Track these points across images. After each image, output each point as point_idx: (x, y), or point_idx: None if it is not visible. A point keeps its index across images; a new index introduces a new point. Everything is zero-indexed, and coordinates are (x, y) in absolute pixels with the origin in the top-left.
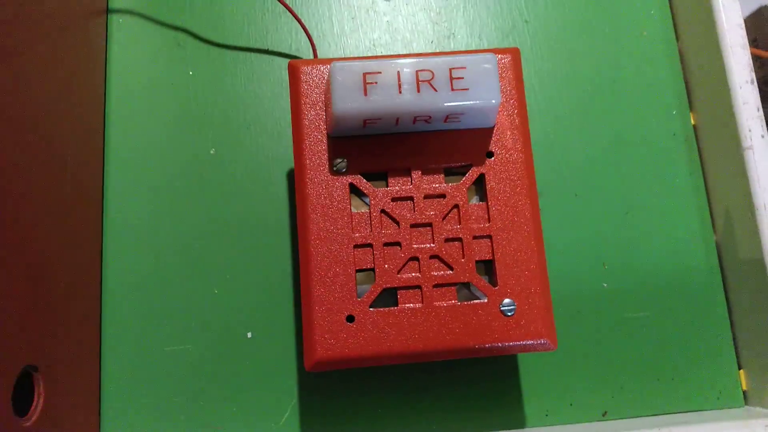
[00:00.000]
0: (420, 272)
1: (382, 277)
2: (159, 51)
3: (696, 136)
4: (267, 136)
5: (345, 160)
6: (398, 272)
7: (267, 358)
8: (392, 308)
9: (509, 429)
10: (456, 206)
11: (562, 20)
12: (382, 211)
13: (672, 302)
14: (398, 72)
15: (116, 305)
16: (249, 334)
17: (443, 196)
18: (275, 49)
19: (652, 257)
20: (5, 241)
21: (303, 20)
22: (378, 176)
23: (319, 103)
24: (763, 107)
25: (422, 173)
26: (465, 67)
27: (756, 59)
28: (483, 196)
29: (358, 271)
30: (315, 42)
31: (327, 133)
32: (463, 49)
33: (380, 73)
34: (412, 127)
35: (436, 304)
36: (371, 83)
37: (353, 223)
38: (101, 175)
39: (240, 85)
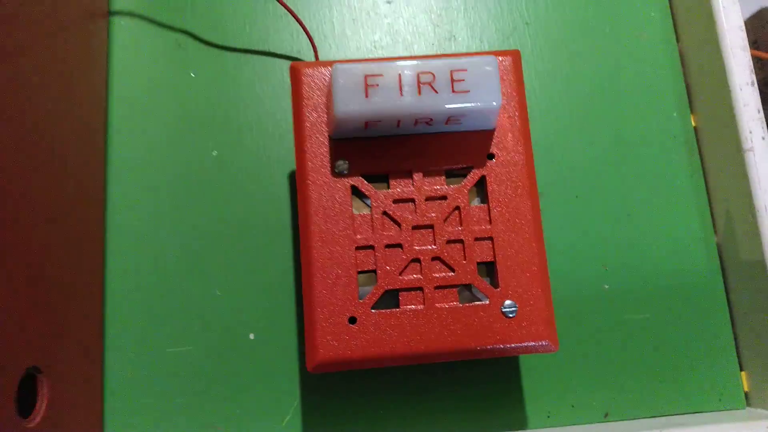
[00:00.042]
0: (421, 274)
1: (384, 279)
2: (160, 53)
3: (696, 137)
4: (268, 138)
5: (346, 162)
6: (400, 274)
7: (269, 359)
8: (394, 310)
9: (510, 430)
10: (457, 208)
11: (563, 22)
12: (384, 212)
13: (673, 304)
14: (399, 74)
15: (118, 307)
16: (251, 336)
17: (444, 197)
18: (276, 51)
19: (653, 259)
20: (7, 242)
21: (304, 22)
22: (379, 178)
23: (321, 105)
24: (763, 109)
25: (423, 175)
26: (466, 70)
27: (756, 61)
28: (484, 198)
29: (359, 272)
30: (316, 44)
31: (328, 135)
32: (463, 51)
33: (381, 75)
34: (413, 129)
35: (438, 305)
36: (372, 85)
37: (355, 224)
38: (103, 176)
39: (241, 86)
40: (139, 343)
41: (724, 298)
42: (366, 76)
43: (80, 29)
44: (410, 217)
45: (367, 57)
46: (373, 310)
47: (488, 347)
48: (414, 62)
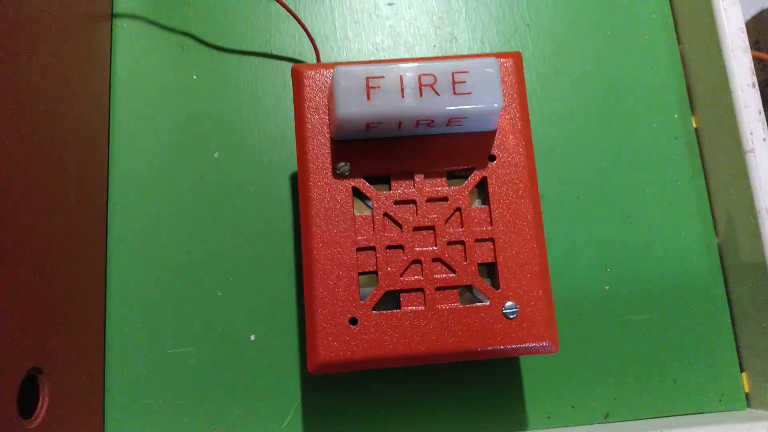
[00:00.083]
0: (422, 275)
1: (385, 280)
2: (163, 55)
3: (698, 139)
4: (270, 140)
5: (348, 164)
6: (401, 275)
7: (270, 360)
8: (395, 311)
9: (511, 431)
10: (458, 209)
11: (564, 24)
12: (385, 214)
13: (674, 305)
14: (401, 76)
15: (120, 308)
16: (252, 337)
17: (446, 199)
18: (278, 53)
19: (654, 260)
20: (9, 244)
21: (306, 24)
22: (381, 180)
23: (323, 107)
24: (764, 110)
25: (425, 176)
26: (467, 72)
27: (757, 62)
28: (485, 200)
29: (360, 273)
30: (318, 46)
31: (330, 137)
32: (465, 53)
33: (383, 77)
34: (414, 131)
35: (439, 306)
36: (374, 87)
37: (356, 226)
38: (105, 177)
39: (243, 88)
40: (139, 344)
41: (725, 299)
42: (367, 78)
43: (83, 31)
44: (411, 218)
45: (368, 59)
46: (374, 311)
47: (489, 348)
48: (415, 64)
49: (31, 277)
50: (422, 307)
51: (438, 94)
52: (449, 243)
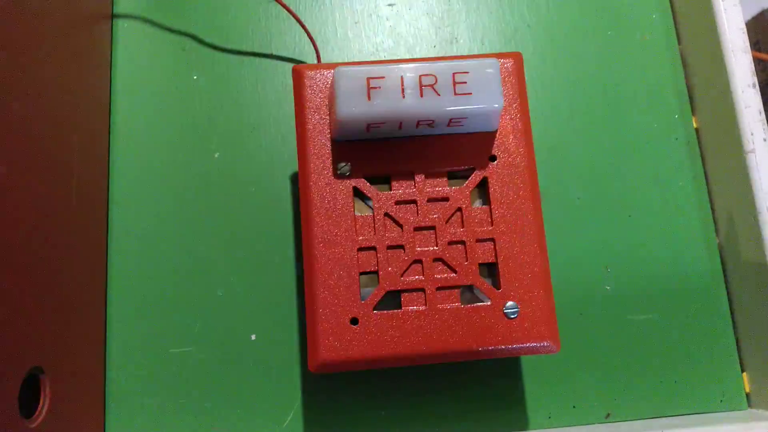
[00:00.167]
0: (423, 275)
1: (386, 280)
2: (164, 55)
3: (698, 139)
4: (271, 140)
5: (348, 164)
6: (402, 275)
7: (270, 360)
8: (396, 311)
9: (512, 431)
10: (459, 209)
11: (564, 25)
12: (386, 214)
13: (674, 305)
14: (401, 77)
15: (121, 307)
16: (253, 336)
17: (446, 199)
18: (279, 54)
19: (655, 260)
20: (10, 244)
21: (306, 25)
22: (381, 180)
23: (323, 108)
24: (765, 111)
25: (425, 177)
26: (468, 72)
27: (758, 63)
28: (486, 200)
29: (361, 273)
30: (318, 47)
31: (331, 138)
32: (465, 53)
33: (383, 77)
34: (415, 131)
35: (440, 306)
36: (375, 88)
37: (357, 226)
38: (106, 178)
39: (244, 89)
40: (141, 344)
41: (726, 299)
42: (368, 79)
43: (84, 32)
44: (412, 218)
45: (369, 60)
46: (374, 311)
47: (490, 348)
48: (416, 65)
49: (33, 276)
50: (423, 307)
51: (439, 94)
52: (450, 243)
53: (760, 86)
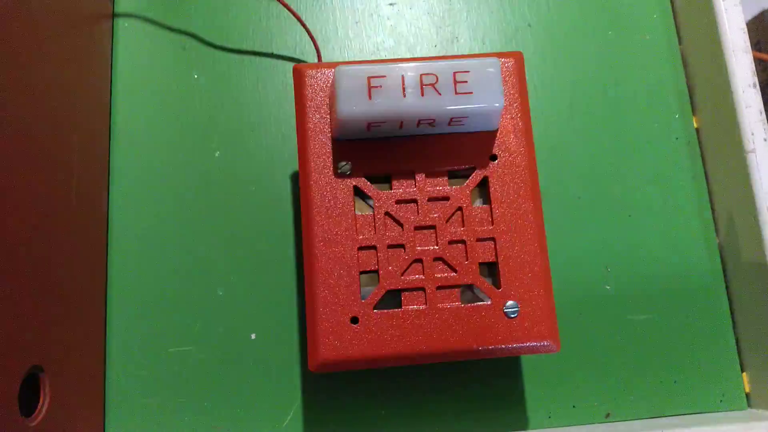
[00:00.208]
0: (423, 274)
1: (386, 279)
2: (164, 55)
3: (698, 139)
4: (271, 139)
5: (349, 163)
6: (402, 274)
7: (271, 359)
8: (396, 310)
9: (512, 430)
10: (459, 209)
11: (565, 24)
12: (386, 213)
13: (675, 305)
14: (402, 76)
15: (121, 306)
16: (253, 336)
17: (447, 198)
18: (280, 53)
19: (655, 260)
20: (11, 244)
21: (307, 24)
22: (382, 179)
23: (324, 107)
24: (765, 111)
25: (426, 176)
26: (469, 71)
27: (758, 63)
28: (486, 199)
29: (362, 273)
30: (319, 46)
31: (331, 137)
32: (466, 53)
33: (384, 77)
34: (416, 131)
35: (440, 306)
36: (375, 87)
37: (357, 225)
38: (106, 176)
39: (245, 88)
40: (140, 343)
41: (726, 299)
42: (369, 78)
43: (84, 31)
44: (412, 217)
45: (369, 59)
46: (375, 311)
47: (490, 347)
48: (417, 64)
49: (33, 276)
50: (423, 306)
51: (439, 93)
52: (450, 242)
53: (760, 86)
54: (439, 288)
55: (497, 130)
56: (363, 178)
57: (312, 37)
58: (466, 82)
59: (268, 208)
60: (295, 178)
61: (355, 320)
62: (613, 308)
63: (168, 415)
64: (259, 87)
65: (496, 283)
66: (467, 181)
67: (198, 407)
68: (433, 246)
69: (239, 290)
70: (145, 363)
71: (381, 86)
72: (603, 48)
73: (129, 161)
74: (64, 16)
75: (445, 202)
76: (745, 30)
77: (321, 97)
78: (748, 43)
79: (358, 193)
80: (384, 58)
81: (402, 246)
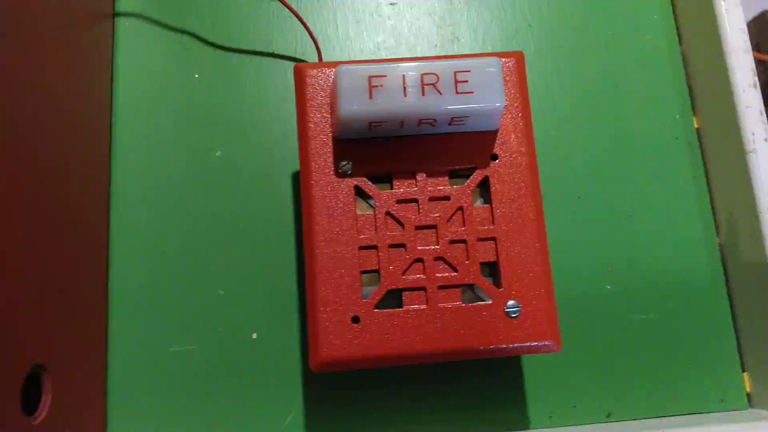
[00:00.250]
0: (424, 274)
1: (387, 279)
2: (165, 54)
3: (699, 139)
4: (272, 139)
5: (350, 163)
6: (403, 274)
7: (272, 358)
8: (397, 309)
9: (513, 430)
10: (460, 208)
11: (565, 24)
12: (387, 213)
13: (676, 305)
14: (403, 75)
15: (122, 306)
16: (254, 335)
17: (448, 198)
18: (280, 53)
19: (656, 260)
20: (12, 242)
21: (308, 24)
22: (383, 179)
23: (325, 107)
24: (766, 111)
25: (427, 176)
26: (469, 71)
27: (759, 63)
28: (487, 199)
29: (363, 272)
30: (320, 45)
31: (332, 136)
32: (467, 53)
33: (385, 76)
34: (416, 130)
35: (441, 305)
36: (376, 86)
37: (358, 224)
38: (107, 176)
39: (245, 88)
40: (142, 342)
41: (727, 299)
42: (370, 77)
43: (85, 30)
44: (413, 217)
45: (370, 59)
46: (376, 310)
47: (491, 347)
48: (418, 63)
49: (34, 274)
50: (424, 306)
51: (440, 93)
52: (451, 242)
53: (761, 86)
54: (440, 288)
55: (498, 129)
56: (364, 178)
57: (312, 37)
58: (466, 81)
59: (269, 207)
60: (296, 177)
61: (356, 320)
62: (614, 308)
63: (169, 414)
64: (259, 86)
65: (497, 283)
66: (468, 181)
67: (199, 406)
68: (433, 246)
69: (240, 290)
70: (146, 362)
71: (382, 86)
72: (603, 48)
73: (130, 160)
74: (64, 15)
75: (445, 201)
76: (746, 30)
77: (322, 96)
78: (749, 44)
79: (359, 192)
80: (384, 57)
81: (403, 245)
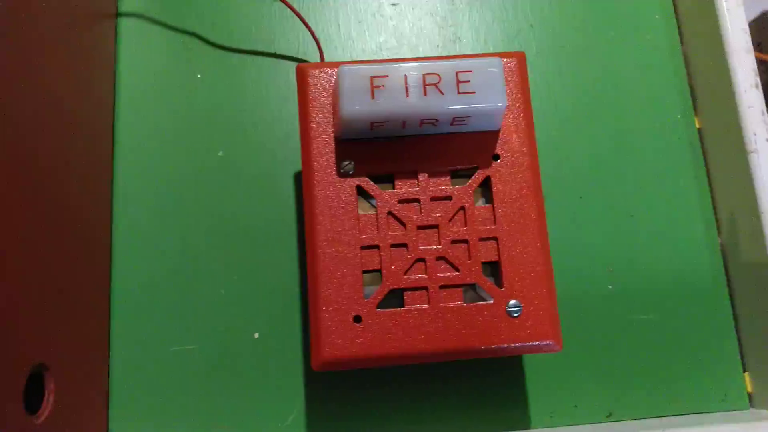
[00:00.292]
0: (426, 273)
1: (389, 278)
2: (167, 54)
3: (701, 139)
4: (274, 139)
5: (352, 163)
6: (405, 273)
7: (274, 358)
8: (399, 309)
9: (514, 430)
10: (462, 208)
11: (567, 25)
12: (389, 212)
13: (677, 305)
14: (405, 75)
15: (124, 305)
16: (256, 335)
17: (449, 198)
18: (282, 53)
19: (657, 260)
20: (14, 242)
21: (310, 24)
22: (385, 178)
23: (327, 107)
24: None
25: (429, 175)
26: (471, 71)
27: (760, 63)
28: (489, 199)
29: (365, 272)
30: (322, 46)
31: (334, 136)
32: (468, 53)
33: (387, 76)
34: (418, 130)
35: (443, 305)
36: (378, 86)
37: (360, 224)
38: (109, 175)
39: (248, 88)
40: (144, 342)
41: (728, 299)
42: (372, 78)
43: (88, 30)
44: (415, 217)
45: (372, 59)
46: (378, 309)
47: (492, 347)
48: (420, 63)
49: (35, 274)
50: (426, 306)
51: (442, 93)
52: (453, 242)
53: (762, 87)
54: (441, 287)
55: (500, 129)
56: (366, 178)
57: (315, 37)
58: (468, 81)
59: (271, 207)
60: (298, 177)
61: (358, 319)
62: (615, 308)
63: (171, 413)
64: (261, 87)
65: (499, 283)
66: (470, 181)
67: (201, 405)
68: (435, 245)
69: (242, 289)
70: (148, 362)
71: (384, 86)
72: (605, 48)
73: (131, 160)
74: (65, 15)
75: (447, 201)
76: (747, 30)
77: (324, 96)
78: (750, 44)
79: (361, 192)
80: (386, 57)
81: (405, 245)
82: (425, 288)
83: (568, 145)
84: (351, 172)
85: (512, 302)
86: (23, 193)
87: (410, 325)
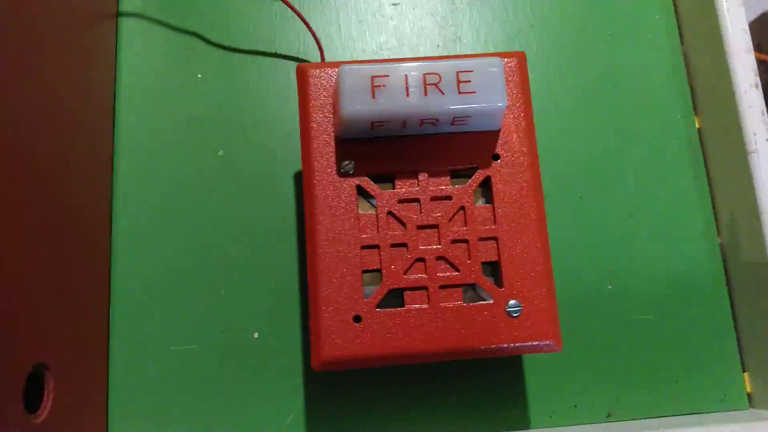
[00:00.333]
0: (426, 273)
1: (389, 278)
2: (168, 54)
3: (701, 139)
4: (275, 139)
5: (352, 163)
6: (405, 273)
7: (273, 358)
8: (399, 309)
9: (514, 430)
10: (462, 208)
11: (567, 24)
12: (389, 212)
13: (677, 305)
14: (406, 75)
15: (124, 305)
16: (255, 335)
17: (449, 197)
18: (283, 53)
19: (657, 260)
20: (14, 241)
21: (310, 24)
22: (385, 178)
23: (327, 106)
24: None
25: (429, 175)
26: (472, 71)
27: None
28: (489, 198)
29: (364, 271)
30: (322, 45)
31: (334, 136)
32: (469, 53)
33: (388, 76)
34: (419, 130)
35: (442, 305)
36: (379, 86)
37: (360, 224)
38: (110, 175)
39: (248, 88)
40: (143, 342)
41: (728, 299)
42: (372, 77)
43: (88, 29)
44: (415, 217)
45: (372, 59)
46: (378, 309)
47: (492, 347)
48: (420, 63)
49: (35, 274)
50: (426, 305)
51: (442, 93)
52: (453, 241)
53: (762, 87)
54: (441, 287)
55: (500, 129)
56: (366, 178)
57: (315, 37)
58: (469, 81)
59: (271, 207)
60: (299, 177)
61: (357, 319)
62: (615, 308)
63: (171, 413)
64: (262, 86)
65: (499, 283)
66: (470, 181)
67: (200, 405)
68: (435, 245)
69: (242, 289)
70: (147, 361)
71: (384, 86)
72: (605, 48)
73: (132, 160)
74: (67, 15)
75: (447, 201)
76: (748, 31)
77: (324, 96)
78: (751, 44)
79: (361, 192)
80: (387, 57)
81: (405, 245)
82: (425, 288)
83: (569, 145)
84: (351, 172)
85: (512, 302)
86: (23, 193)
87: (410, 325)
